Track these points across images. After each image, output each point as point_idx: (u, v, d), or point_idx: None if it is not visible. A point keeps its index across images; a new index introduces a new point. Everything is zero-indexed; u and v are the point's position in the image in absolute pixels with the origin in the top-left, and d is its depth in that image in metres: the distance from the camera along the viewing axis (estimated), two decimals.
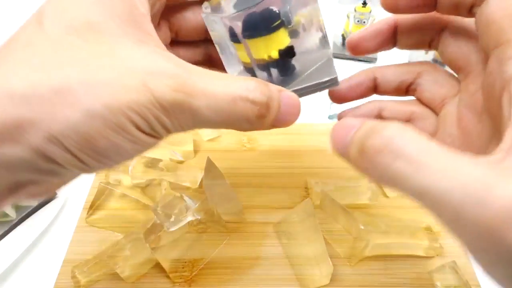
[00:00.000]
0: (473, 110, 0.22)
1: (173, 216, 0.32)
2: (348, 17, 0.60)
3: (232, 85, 0.19)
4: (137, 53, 0.18)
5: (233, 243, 0.35)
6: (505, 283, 0.15)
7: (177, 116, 0.18)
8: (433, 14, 0.23)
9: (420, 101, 0.26)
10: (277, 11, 0.21)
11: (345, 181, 0.38)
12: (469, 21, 0.22)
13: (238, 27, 0.21)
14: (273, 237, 0.36)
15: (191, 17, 0.26)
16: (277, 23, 0.21)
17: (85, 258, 0.33)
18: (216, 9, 0.23)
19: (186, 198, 0.35)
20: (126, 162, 0.20)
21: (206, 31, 0.26)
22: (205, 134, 0.44)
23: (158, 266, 0.33)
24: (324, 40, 0.24)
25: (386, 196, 0.39)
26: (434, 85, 0.24)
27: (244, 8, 0.21)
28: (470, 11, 0.20)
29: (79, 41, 0.18)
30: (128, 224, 0.36)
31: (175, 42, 0.28)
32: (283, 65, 0.24)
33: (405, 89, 0.26)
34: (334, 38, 0.61)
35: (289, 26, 0.22)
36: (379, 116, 0.27)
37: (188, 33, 0.27)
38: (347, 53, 0.61)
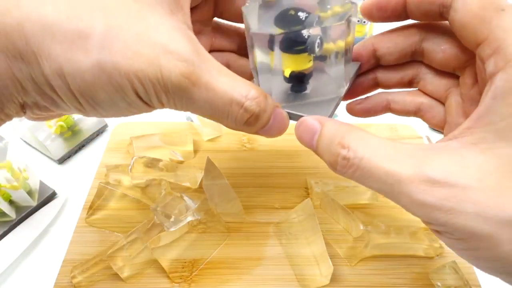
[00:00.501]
0: (475, 103, 0.22)
1: (173, 216, 0.32)
2: None
3: (234, 87, 0.20)
4: (164, 25, 0.19)
5: (233, 243, 0.35)
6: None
7: (174, 98, 0.19)
8: (408, 26, 0.24)
9: (424, 93, 0.26)
10: (306, 37, 0.21)
11: (345, 181, 0.38)
12: (444, 24, 0.23)
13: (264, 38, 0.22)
14: (273, 237, 0.36)
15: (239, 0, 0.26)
16: (300, 47, 0.21)
17: (85, 258, 0.33)
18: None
19: (186, 198, 0.35)
20: (119, 116, 0.22)
21: None
22: (205, 134, 0.44)
23: (158, 266, 0.33)
24: (343, 79, 0.24)
25: None
26: (435, 77, 0.25)
27: (281, 32, 0.21)
28: (441, 16, 0.21)
29: None
30: (128, 224, 0.36)
31: (217, 26, 0.28)
32: (297, 84, 0.24)
33: (408, 82, 0.26)
34: None
35: (312, 55, 0.22)
36: (388, 108, 0.27)
37: (232, 15, 0.27)
38: None
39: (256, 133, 0.22)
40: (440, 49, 0.23)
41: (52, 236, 0.38)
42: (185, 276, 0.33)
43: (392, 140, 0.19)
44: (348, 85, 0.25)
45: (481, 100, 0.18)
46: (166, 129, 0.45)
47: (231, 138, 0.45)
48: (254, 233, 0.36)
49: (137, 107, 0.20)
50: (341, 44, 0.22)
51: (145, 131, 0.44)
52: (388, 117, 0.29)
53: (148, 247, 0.32)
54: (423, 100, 0.26)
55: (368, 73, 0.27)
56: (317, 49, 0.21)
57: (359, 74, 0.27)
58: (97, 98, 0.19)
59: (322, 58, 0.23)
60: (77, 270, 0.32)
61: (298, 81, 0.24)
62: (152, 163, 0.39)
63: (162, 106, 0.20)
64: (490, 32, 0.18)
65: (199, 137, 0.45)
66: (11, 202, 0.38)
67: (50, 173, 0.43)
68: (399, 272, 0.33)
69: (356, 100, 0.28)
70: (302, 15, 0.21)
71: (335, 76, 0.24)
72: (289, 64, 0.23)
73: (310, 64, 0.23)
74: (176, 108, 0.21)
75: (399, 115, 0.27)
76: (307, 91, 0.24)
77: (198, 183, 0.39)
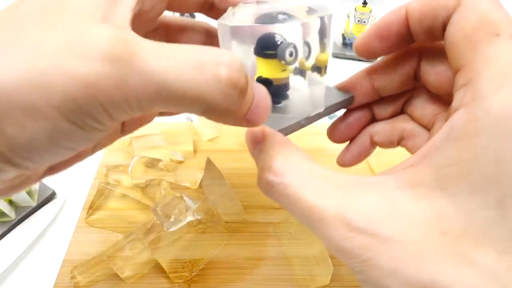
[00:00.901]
0: None
1: (173, 216, 0.32)
2: (348, 16, 0.60)
3: (198, 49, 0.15)
4: (90, 28, 0.14)
5: (233, 243, 0.35)
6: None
7: (122, 88, 0.13)
8: (405, 50, 0.22)
9: (412, 118, 0.24)
10: (278, 42, 0.20)
11: None
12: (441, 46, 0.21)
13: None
14: (273, 237, 0.36)
15: (189, 38, 0.26)
16: (270, 52, 0.20)
17: (84, 258, 0.33)
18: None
19: (186, 198, 0.35)
20: (52, 162, 0.15)
21: None
22: (205, 134, 0.44)
23: (158, 267, 0.33)
24: (317, 101, 0.23)
25: None
26: (426, 101, 0.23)
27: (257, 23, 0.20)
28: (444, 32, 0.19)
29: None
30: (128, 224, 0.36)
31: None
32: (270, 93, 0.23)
33: (401, 109, 0.25)
34: (334, 38, 0.61)
35: (282, 61, 0.21)
36: (373, 143, 0.26)
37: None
38: (347, 53, 0.61)
39: (246, 118, 0.17)
40: (434, 70, 0.21)
41: (52, 236, 0.37)
42: (185, 276, 0.33)
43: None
44: (324, 110, 0.23)
45: (435, 136, 0.16)
46: (166, 129, 0.45)
47: (231, 138, 0.45)
48: (254, 233, 0.36)
49: (67, 136, 0.14)
50: (318, 59, 0.21)
51: (145, 131, 0.44)
52: None
53: (148, 247, 0.32)
54: (406, 126, 0.24)
55: (363, 107, 0.25)
56: (288, 57, 0.20)
57: (354, 108, 0.25)
58: (8, 133, 0.13)
59: (302, 74, 0.22)
60: (77, 270, 0.32)
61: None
62: (152, 163, 0.39)
63: (112, 119, 0.14)
64: (471, 58, 0.16)
65: (199, 137, 0.45)
66: (10, 202, 0.37)
67: None
68: None
69: (341, 154, 0.27)
70: (281, 17, 0.20)
71: (309, 97, 0.22)
72: (261, 68, 0.22)
73: (284, 75, 0.22)
74: (132, 110, 0.14)
75: (384, 148, 0.26)
76: (280, 105, 0.23)
77: (198, 183, 0.39)
